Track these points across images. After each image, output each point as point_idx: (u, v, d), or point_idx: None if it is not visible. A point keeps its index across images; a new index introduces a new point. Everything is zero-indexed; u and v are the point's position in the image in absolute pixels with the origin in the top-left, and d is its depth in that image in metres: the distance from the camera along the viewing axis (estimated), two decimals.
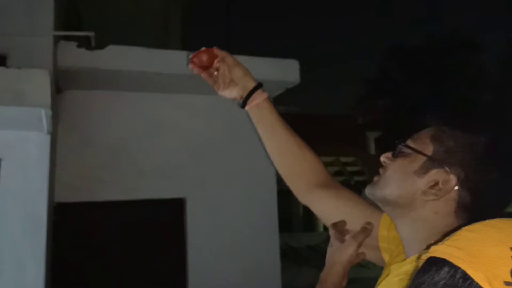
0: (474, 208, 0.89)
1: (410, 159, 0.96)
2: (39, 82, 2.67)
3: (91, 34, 3.45)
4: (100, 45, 3.47)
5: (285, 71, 3.97)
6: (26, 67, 2.79)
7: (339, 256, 1.17)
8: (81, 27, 4.31)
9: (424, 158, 0.94)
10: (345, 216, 1.19)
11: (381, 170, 1.02)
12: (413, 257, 0.90)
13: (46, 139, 3.09)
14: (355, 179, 11.85)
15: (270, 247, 4.19)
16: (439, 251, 0.60)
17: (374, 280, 1.13)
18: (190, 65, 1.30)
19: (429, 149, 0.94)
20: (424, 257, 0.62)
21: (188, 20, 6.62)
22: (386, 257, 1.09)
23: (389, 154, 1.01)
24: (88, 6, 4.91)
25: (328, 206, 1.25)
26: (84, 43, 3.51)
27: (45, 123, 2.86)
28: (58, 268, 3.46)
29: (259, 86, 1.30)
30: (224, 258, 4.01)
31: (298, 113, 10.89)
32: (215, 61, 1.29)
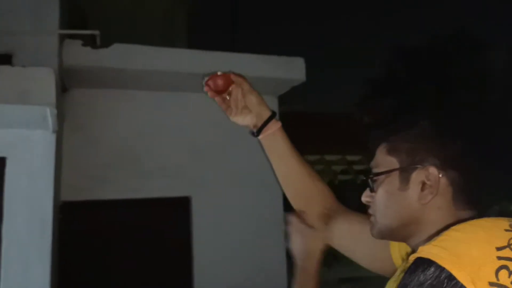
0: (467, 184, 0.89)
1: (386, 182, 0.96)
2: (44, 80, 2.68)
3: (96, 32, 3.45)
4: (105, 44, 3.47)
5: (291, 69, 3.96)
6: (31, 66, 2.79)
7: (315, 243, 1.19)
8: (86, 25, 4.31)
9: (396, 173, 0.94)
10: (360, 241, 1.18)
11: (370, 211, 1.02)
12: None
13: (52, 138, 3.10)
14: (361, 178, 11.82)
15: (276, 246, 4.18)
16: (426, 251, 0.61)
17: (374, 279, 1.12)
18: (205, 88, 1.31)
19: (394, 163, 0.95)
20: (412, 257, 0.63)
21: (193, 18, 6.62)
22: None
23: (367, 192, 1.01)
24: (93, 4, 4.91)
25: (340, 232, 1.24)
26: (89, 41, 3.51)
27: (50, 122, 2.86)
28: (63, 266, 3.46)
29: (273, 115, 1.30)
30: (230, 256, 4.00)
31: (305, 111, 10.88)
32: (231, 86, 1.28)
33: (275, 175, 1.35)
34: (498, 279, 0.55)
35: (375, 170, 0.99)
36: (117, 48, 3.52)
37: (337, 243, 1.25)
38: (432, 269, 0.58)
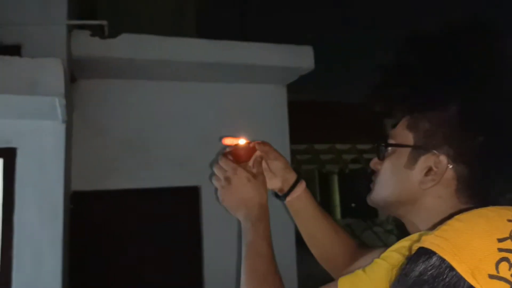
0: (475, 181, 0.86)
1: (396, 155, 0.95)
2: (53, 71, 2.68)
3: (104, 22, 3.45)
4: (114, 34, 3.47)
5: (299, 57, 3.93)
6: (40, 57, 2.80)
7: (264, 193, 1.17)
8: (95, 15, 4.32)
9: (408, 150, 0.92)
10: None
11: (373, 177, 1.01)
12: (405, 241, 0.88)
13: (61, 128, 3.12)
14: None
15: (286, 234, 4.18)
16: (428, 241, 0.61)
17: None
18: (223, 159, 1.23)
19: (409, 139, 0.93)
20: (415, 247, 0.62)
21: (203, 7, 6.59)
22: None
23: (376, 159, 1.01)
24: None
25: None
26: (98, 32, 3.51)
27: (59, 112, 2.88)
28: (74, 255, 3.50)
29: (299, 177, 1.29)
30: (240, 246, 4.01)
31: (314, 100, 10.82)
32: (253, 155, 1.24)
33: (301, 233, 1.34)
34: (498, 272, 0.54)
35: (389, 140, 0.98)
36: (126, 38, 3.52)
37: None
38: (434, 259, 0.58)
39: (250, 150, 1.24)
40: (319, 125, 10.00)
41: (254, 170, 1.23)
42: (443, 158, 0.87)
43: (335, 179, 14.69)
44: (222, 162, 1.21)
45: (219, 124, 4.06)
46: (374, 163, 1.01)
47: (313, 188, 12.38)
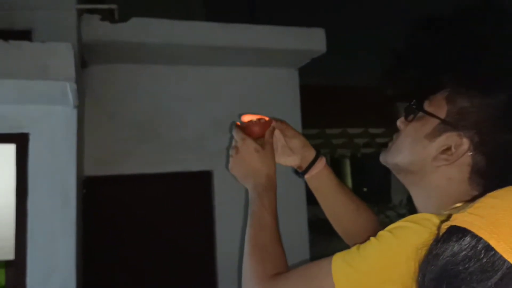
0: (491, 173, 0.82)
1: (422, 122, 0.91)
2: (63, 55, 2.67)
3: (114, 6, 3.43)
4: (123, 18, 3.45)
5: (311, 40, 3.88)
6: (51, 41, 2.79)
7: (272, 164, 1.16)
8: None
9: (436, 121, 0.88)
10: None
11: (395, 136, 0.97)
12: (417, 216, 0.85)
13: (73, 113, 3.11)
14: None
15: (298, 218, 4.18)
16: (460, 219, 0.55)
17: None
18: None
19: (442, 112, 0.88)
20: (445, 225, 0.56)
21: None
22: None
23: (403, 118, 0.97)
24: None
25: None
26: (108, 16, 3.49)
27: (70, 97, 2.87)
28: (88, 239, 3.53)
29: (318, 154, 1.27)
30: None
31: (326, 84, 10.74)
32: (267, 131, 1.23)
33: (323, 210, 1.32)
34: None
35: (425, 104, 0.93)
36: (135, 22, 3.49)
37: None
38: (468, 238, 0.52)
39: (264, 126, 1.23)
40: (331, 110, 9.94)
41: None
42: (465, 142, 0.84)
43: (347, 164, 14.64)
44: (234, 132, 1.21)
45: (230, 108, 4.03)
46: (400, 121, 0.98)
47: None
